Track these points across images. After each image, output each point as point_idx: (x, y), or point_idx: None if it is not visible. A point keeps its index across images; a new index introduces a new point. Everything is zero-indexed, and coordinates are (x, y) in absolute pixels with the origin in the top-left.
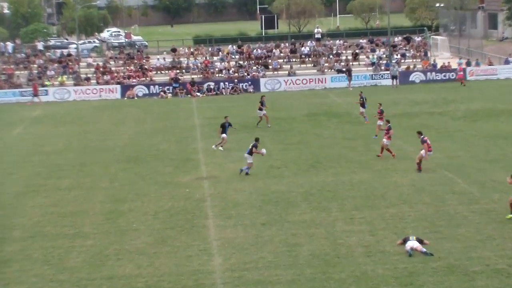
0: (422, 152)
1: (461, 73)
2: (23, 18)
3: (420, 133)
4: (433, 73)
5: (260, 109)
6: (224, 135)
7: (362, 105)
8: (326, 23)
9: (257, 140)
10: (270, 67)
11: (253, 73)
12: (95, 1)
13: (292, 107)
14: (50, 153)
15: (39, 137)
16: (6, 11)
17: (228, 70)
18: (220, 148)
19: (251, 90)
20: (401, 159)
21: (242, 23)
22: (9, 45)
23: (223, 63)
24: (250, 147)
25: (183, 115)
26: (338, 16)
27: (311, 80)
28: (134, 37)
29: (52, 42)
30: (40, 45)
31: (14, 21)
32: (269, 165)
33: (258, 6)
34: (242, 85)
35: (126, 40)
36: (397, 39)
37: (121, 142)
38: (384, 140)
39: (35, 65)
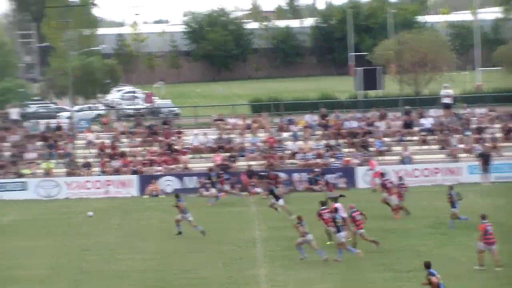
0: None
1: None
2: None
3: None
4: None
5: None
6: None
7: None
8: (460, 81)
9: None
10: (372, 149)
11: (346, 159)
12: (98, 46)
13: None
14: (27, 283)
15: (9, 256)
16: None
17: (305, 153)
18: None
19: (342, 185)
20: None
21: (327, 80)
22: None
23: (297, 143)
24: None
25: (235, 224)
26: (479, 69)
27: (436, 171)
28: (159, 101)
29: (33, 108)
30: (14, 113)
31: None
32: None
33: (350, 54)
34: (327, 178)
35: (147, 105)
36: None
37: (139, 265)
38: None
39: (7, 144)
